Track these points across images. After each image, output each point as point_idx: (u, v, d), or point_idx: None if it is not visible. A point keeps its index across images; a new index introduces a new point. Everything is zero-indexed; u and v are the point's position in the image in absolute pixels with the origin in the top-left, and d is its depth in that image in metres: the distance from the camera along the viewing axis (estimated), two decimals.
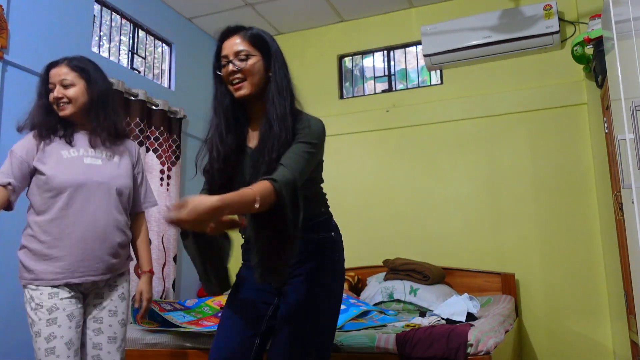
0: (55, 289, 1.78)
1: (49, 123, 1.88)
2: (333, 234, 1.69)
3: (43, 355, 1.71)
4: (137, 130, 3.40)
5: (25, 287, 1.80)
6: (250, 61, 1.54)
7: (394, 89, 4.25)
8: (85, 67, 1.91)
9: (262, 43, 1.58)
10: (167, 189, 3.63)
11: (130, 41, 3.76)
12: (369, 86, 4.37)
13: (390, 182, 4.01)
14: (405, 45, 4.25)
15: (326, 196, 1.75)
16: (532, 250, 3.58)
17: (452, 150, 3.88)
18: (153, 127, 3.59)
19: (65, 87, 1.86)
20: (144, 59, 3.87)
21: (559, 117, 3.63)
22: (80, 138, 1.93)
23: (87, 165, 1.87)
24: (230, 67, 1.55)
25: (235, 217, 1.32)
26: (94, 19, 3.33)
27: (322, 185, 1.74)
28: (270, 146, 1.49)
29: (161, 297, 3.42)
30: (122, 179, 1.93)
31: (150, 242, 2.93)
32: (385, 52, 4.33)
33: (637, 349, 2.58)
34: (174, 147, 3.76)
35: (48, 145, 1.86)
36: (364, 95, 4.35)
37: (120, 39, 3.67)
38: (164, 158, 3.63)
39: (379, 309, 3.07)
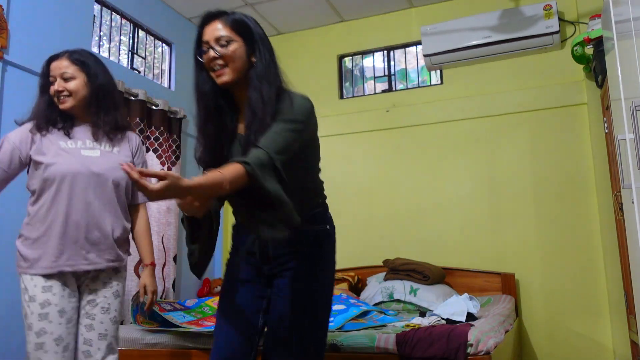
0: (49, 282, 1.79)
1: (49, 115, 1.89)
2: (328, 226, 1.68)
3: (32, 349, 1.75)
4: (137, 130, 3.40)
5: (21, 275, 1.83)
6: (231, 47, 1.51)
7: (394, 89, 4.25)
8: (86, 61, 1.92)
9: (244, 28, 1.54)
10: None
11: (130, 41, 3.76)
12: (369, 86, 4.37)
13: (390, 182, 4.01)
14: (405, 45, 4.25)
15: (324, 184, 1.72)
16: (532, 250, 3.57)
17: (452, 150, 3.88)
18: (153, 127, 3.59)
19: (66, 80, 1.87)
20: (144, 59, 3.87)
21: (559, 117, 3.63)
22: (80, 131, 1.93)
23: (84, 156, 1.88)
24: (211, 53, 1.51)
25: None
26: (94, 19, 3.33)
27: (320, 176, 1.71)
28: (255, 132, 1.46)
29: (161, 297, 3.42)
30: (119, 171, 1.90)
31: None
32: (385, 52, 4.33)
33: (637, 349, 2.58)
34: (174, 147, 3.76)
35: (45, 137, 1.87)
36: (364, 95, 4.35)
37: (120, 39, 3.68)
38: (164, 158, 3.63)
39: (379, 309, 3.07)
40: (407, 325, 2.44)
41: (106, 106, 1.94)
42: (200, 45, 1.55)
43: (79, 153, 1.88)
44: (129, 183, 1.97)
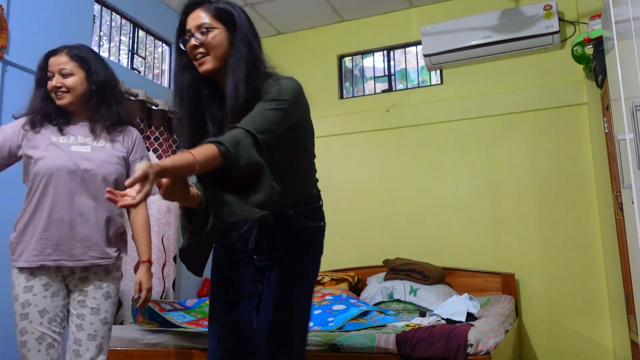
0: (31, 282, 1.81)
1: (45, 110, 1.88)
2: (322, 223, 1.66)
3: (18, 346, 1.80)
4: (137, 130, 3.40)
5: (12, 269, 1.86)
6: (212, 34, 1.48)
7: (394, 89, 4.25)
8: (85, 57, 1.90)
9: (226, 15, 1.51)
10: None
11: (130, 41, 3.76)
12: (369, 86, 4.37)
13: (390, 182, 4.01)
14: (405, 45, 4.25)
15: (317, 174, 1.69)
16: (532, 250, 3.58)
17: (452, 150, 3.88)
18: (153, 127, 3.59)
19: (64, 76, 1.86)
20: (144, 59, 3.87)
21: (559, 117, 3.63)
22: (75, 127, 1.92)
23: (73, 152, 1.86)
24: (192, 41, 1.49)
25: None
26: (94, 19, 3.33)
27: (315, 165, 1.68)
28: (231, 119, 1.43)
29: (161, 297, 3.42)
30: (109, 167, 1.89)
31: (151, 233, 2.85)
32: (385, 52, 4.33)
33: (637, 349, 2.58)
34: (174, 147, 3.76)
35: (39, 133, 1.87)
36: (364, 95, 4.35)
37: (120, 39, 3.68)
38: (164, 158, 3.62)
39: (379, 309, 3.07)
40: (407, 325, 2.44)
41: (108, 101, 1.93)
42: (182, 34, 1.54)
43: (69, 148, 1.87)
44: (122, 179, 1.93)
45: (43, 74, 1.89)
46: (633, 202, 1.73)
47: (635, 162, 1.64)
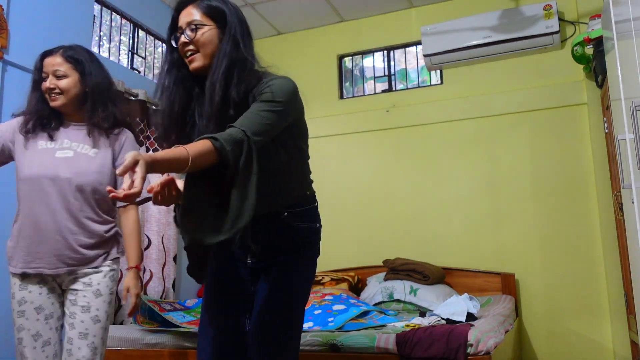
0: (25, 281, 1.84)
1: (40, 113, 1.88)
2: (318, 224, 1.65)
3: (16, 344, 1.83)
4: (137, 130, 3.40)
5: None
6: (201, 31, 1.46)
7: (394, 89, 4.25)
8: (80, 58, 1.89)
9: (217, 12, 1.49)
10: None
11: (130, 41, 3.76)
12: (369, 86, 4.37)
13: (390, 182, 4.01)
14: (405, 45, 4.25)
15: (315, 175, 1.69)
16: (532, 250, 3.58)
17: (452, 150, 3.88)
18: (153, 127, 3.59)
19: (58, 77, 1.86)
20: (144, 59, 3.87)
21: (559, 117, 3.63)
22: (67, 130, 1.92)
23: (57, 158, 1.85)
24: (182, 38, 1.48)
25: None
26: (94, 19, 3.33)
27: (309, 166, 1.67)
28: (207, 120, 1.42)
29: (161, 297, 3.42)
30: (89, 175, 1.86)
31: (147, 238, 2.87)
32: (385, 52, 4.33)
33: (637, 349, 2.58)
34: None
35: (30, 137, 1.88)
36: (364, 95, 4.35)
37: (120, 39, 3.68)
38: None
39: (379, 309, 3.07)
40: (407, 325, 2.45)
41: (103, 103, 1.91)
42: (173, 31, 1.52)
43: (54, 154, 1.86)
44: (102, 187, 1.88)
45: (39, 74, 1.89)
46: (633, 202, 1.73)
47: (635, 162, 1.64)
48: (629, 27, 1.70)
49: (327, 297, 2.93)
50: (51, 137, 1.89)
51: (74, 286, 1.86)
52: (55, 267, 1.82)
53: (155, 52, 4.01)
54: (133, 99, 3.40)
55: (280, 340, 1.53)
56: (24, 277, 1.84)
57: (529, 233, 3.60)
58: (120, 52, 3.67)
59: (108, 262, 1.92)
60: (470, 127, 3.86)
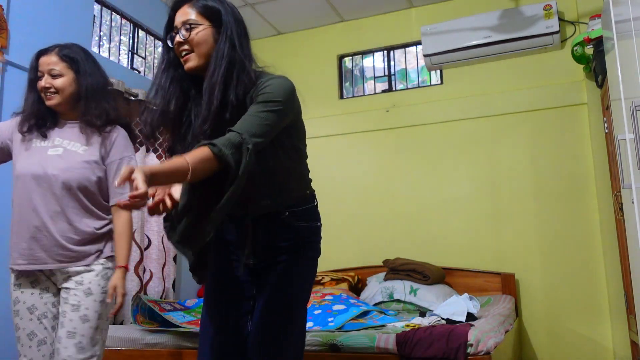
0: (19, 280, 1.86)
1: (37, 113, 1.89)
2: (318, 223, 1.65)
3: (16, 342, 1.86)
4: (137, 130, 3.39)
5: None
6: (195, 30, 1.45)
7: (394, 89, 4.25)
8: (76, 57, 1.88)
9: (212, 12, 1.48)
10: None
11: (130, 41, 3.76)
12: (369, 86, 4.37)
13: (390, 182, 4.01)
14: (405, 45, 4.25)
15: (310, 174, 1.68)
16: (532, 250, 3.58)
17: (452, 150, 3.88)
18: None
19: (54, 77, 1.85)
20: (144, 59, 3.87)
21: (559, 117, 3.63)
22: (60, 129, 1.92)
23: (48, 156, 1.86)
24: (177, 37, 1.46)
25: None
26: (94, 19, 3.34)
27: (307, 163, 1.66)
28: (202, 122, 1.41)
29: (161, 297, 3.42)
30: (75, 171, 1.85)
31: (147, 238, 2.85)
32: (385, 52, 4.33)
33: (637, 349, 2.58)
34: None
35: (27, 138, 1.90)
36: (364, 95, 4.35)
37: (120, 39, 3.68)
38: (164, 158, 3.62)
39: (379, 309, 3.07)
40: (407, 325, 2.44)
41: (96, 100, 1.89)
42: (169, 30, 1.52)
43: (46, 152, 1.87)
44: (93, 183, 1.88)
45: (34, 73, 1.89)
46: (633, 202, 1.73)
47: (635, 162, 1.64)
48: (629, 27, 1.70)
49: (327, 297, 2.93)
50: (45, 136, 1.89)
51: (67, 284, 1.86)
52: (44, 263, 1.83)
53: (155, 52, 4.01)
54: (133, 99, 3.40)
55: (282, 341, 1.53)
56: (19, 276, 1.86)
57: (529, 233, 3.60)
58: (120, 52, 3.67)
59: (102, 260, 1.89)
60: (470, 127, 3.86)
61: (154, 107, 1.52)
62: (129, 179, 1.08)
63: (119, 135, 1.97)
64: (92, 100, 1.89)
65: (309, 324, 2.52)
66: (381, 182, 4.04)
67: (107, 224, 1.93)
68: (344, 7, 4.16)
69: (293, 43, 4.48)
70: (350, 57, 4.46)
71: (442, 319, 2.57)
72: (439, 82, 4.09)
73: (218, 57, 1.43)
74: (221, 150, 1.25)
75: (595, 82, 3.25)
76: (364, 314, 2.78)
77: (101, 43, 3.51)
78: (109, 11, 3.56)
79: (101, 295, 1.87)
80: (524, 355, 3.48)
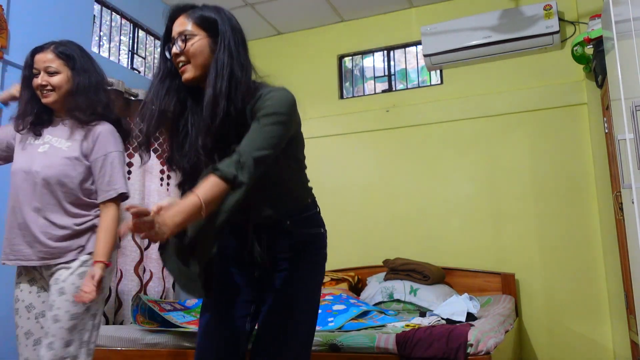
0: (19, 278, 1.89)
1: (32, 112, 1.89)
2: (322, 229, 1.65)
3: (16, 340, 1.87)
4: (137, 130, 3.39)
5: None
6: (191, 42, 1.44)
7: (394, 89, 4.25)
8: (72, 54, 1.87)
9: (208, 22, 1.46)
10: (167, 189, 3.63)
11: (130, 41, 3.76)
12: (369, 86, 4.37)
13: (390, 182, 4.01)
14: (405, 45, 4.25)
15: (310, 176, 1.68)
16: (532, 250, 3.58)
17: (452, 150, 3.88)
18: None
19: (50, 74, 1.84)
20: (144, 59, 3.87)
21: (559, 117, 3.63)
22: (53, 126, 1.92)
23: (37, 153, 1.87)
24: (174, 49, 1.45)
25: None
26: (94, 19, 3.34)
27: (306, 173, 1.67)
28: (205, 133, 1.41)
29: (161, 297, 3.42)
30: (55, 168, 1.83)
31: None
32: (385, 52, 4.33)
33: (637, 349, 2.58)
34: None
35: (24, 136, 1.92)
36: (364, 95, 4.35)
37: (120, 39, 3.68)
38: (164, 158, 3.62)
39: (379, 309, 3.07)
40: (407, 325, 2.44)
41: (85, 95, 1.87)
42: (167, 41, 1.51)
43: (36, 150, 1.88)
44: (69, 180, 1.85)
45: (29, 71, 1.88)
46: (633, 202, 1.73)
47: (635, 162, 1.64)
48: (629, 27, 1.71)
49: (327, 297, 2.93)
50: (40, 134, 1.90)
51: (50, 282, 1.84)
52: (29, 260, 1.83)
53: (155, 52, 4.01)
54: (133, 99, 3.40)
55: (290, 346, 1.52)
56: (20, 274, 1.89)
57: (529, 233, 3.60)
58: (120, 52, 3.67)
59: (83, 257, 1.85)
60: (470, 127, 3.86)
61: (150, 115, 1.51)
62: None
63: (104, 130, 1.90)
64: (81, 96, 1.87)
65: None
66: (381, 182, 4.04)
67: (89, 220, 1.88)
68: (344, 7, 4.16)
69: (293, 43, 4.48)
70: (350, 57, 4.46)
71: (442, 319, 2.57)
72: (439, 82, 4.09)
73: (218, 68, 1.42)
74: (223, 172, 1.30)
75: (595, 82, 3.25)
76: (364, 314, 2.78)
77: (101, 43, 3.51)
78: (109, 11, 3.56)
79: (70, 295, 1.79)
80: (524, 355, 3.48)
